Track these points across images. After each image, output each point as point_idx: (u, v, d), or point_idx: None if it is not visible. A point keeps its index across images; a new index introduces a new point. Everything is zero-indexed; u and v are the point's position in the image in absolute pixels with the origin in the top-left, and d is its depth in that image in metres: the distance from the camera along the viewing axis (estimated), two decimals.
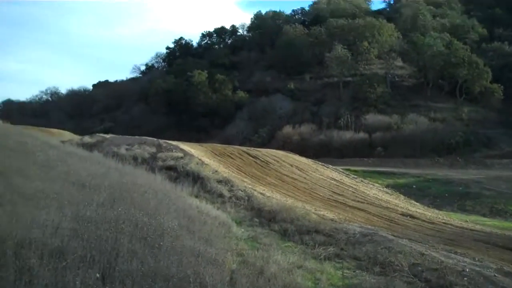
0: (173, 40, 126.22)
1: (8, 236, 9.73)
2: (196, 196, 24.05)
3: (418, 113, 70.92)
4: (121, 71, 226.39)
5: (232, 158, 37.37)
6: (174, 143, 39.08)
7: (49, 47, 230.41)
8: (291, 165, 37.55)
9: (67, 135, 59.24)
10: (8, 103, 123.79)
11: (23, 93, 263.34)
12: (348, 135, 68.28)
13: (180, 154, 33.80)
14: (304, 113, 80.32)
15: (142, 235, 12.79)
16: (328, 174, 37.67)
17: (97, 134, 50.62)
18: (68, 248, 10.53)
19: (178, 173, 29.16)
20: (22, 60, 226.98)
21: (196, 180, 27.29)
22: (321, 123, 73.92)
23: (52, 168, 19.05)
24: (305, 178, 34.00)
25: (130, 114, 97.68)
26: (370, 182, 38.81)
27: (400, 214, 25.22)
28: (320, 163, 42.32)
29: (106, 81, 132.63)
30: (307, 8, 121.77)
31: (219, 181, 27.01)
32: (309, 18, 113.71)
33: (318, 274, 13.14)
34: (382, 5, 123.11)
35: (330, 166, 41.71)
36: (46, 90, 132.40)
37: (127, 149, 35.93)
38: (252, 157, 38.33)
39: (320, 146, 66.10)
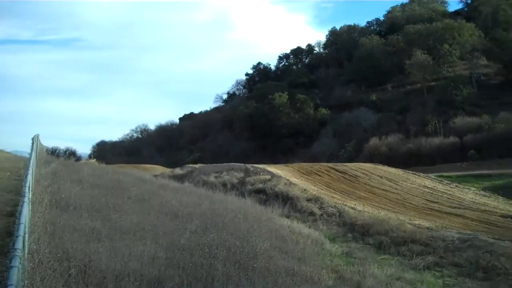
0: (252, 66, 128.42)
1: (108, 269, 10.19)
2: (287, 216, 24.07)
3: (509, 110, 67.12)
4: (204, 102, 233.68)
5: (319, 175, 37.14)
6: (261, 166, 39.46)
7: (136, 86, 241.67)
8: (381, 177, 36.75)
9: (159, 169, 61.46)
10: (102, 144, 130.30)
11: (115, 133, 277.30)
12: (437, 141, 65.79)
13: (268, 177, 34.04)
14: (389, 123, 78.46)
15: (236, 259, 12.96)
16: (420, 182, 36.48)
17: (187, 165, 52.16)
18: (165, 277, 10.86)
19: (267, 195, 29.35)
20: (112, 102, 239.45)
21: (285, 200, 27.34)
22: (408, 131, 71.80)
23: (146, 202, 19.80)
24: (396, 188, 33.15)
25: (216, 142, 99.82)
26: (466, 187, 37.11)
27: (500, 216, 23.95)
28: (410, 172, 41.12)
29: (192, 113, 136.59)
30: (381, 18, 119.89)
31: (309, 200, 26.89)
32: (385, 28, 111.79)
33: (418, 284, 12.71)
34: (459, 6, 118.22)
35: (422, 174, 40.38)
36: (136, 128, 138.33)
37: (216, 177, 36.72)
38: (340, 172, 37.92)
39: (409, 155, 64.16)
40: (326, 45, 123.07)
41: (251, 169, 37.63)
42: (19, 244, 6.37)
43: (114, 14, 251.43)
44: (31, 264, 8.05)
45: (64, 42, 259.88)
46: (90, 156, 58.13)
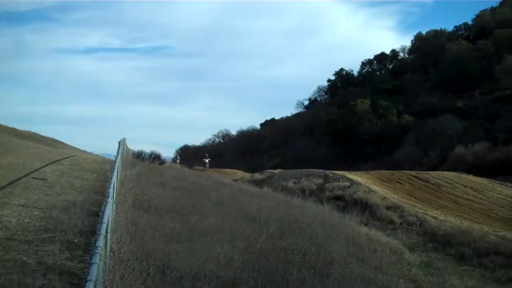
0: (334, 72, 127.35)
1: (185, 269, 10.46)
2: (365, 224, 23.67)
3: None
4: (286, 108, 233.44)
5: (400, 183, 36.21)
6: (340, 172, 39.03)
7: (220, 92, 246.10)
8: (465, 186, 35.24)
9: (239, 173, 62.25)
10: (185, 148, 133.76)
11: (198, 138, 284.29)
12: None
13: (347, 183, 33.63)
14: (476, 131, 75.02)
15: (311, 264, 12.90)
16: (507, 193, 34.61)
17: (267, 170, 52.44)
18: (241, 279, 11.01)
19: (345, 202, 29.01)
20: (196, 108, 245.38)
21: (364, 208, 26.89)
22: (496, 139, 68.36)
23: (225, 205, 20.15)
24: (481, 198, 31.66)
25: (297, 148, 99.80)
26: None
27: None
28: (497, 182, 39.12)
29: (273, 119, 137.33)
30: (470, 22, 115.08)
31: (389, 208, 26.31)
32: (473, 32, 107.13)
33: None
34: None
35: (509, 184, 38.31)
36: (218, 133, 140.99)
37: (294, 182, 36.72)
38: (422, 180, 36.75)
39: (496, 164, 60.99)
40: (411, 51, 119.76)
41: (330, 175, 37.31)
42: (100, 242, 6.64)
43: (199, 22, 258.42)
44: (111, 262, 8.41)
45: (153, 50, 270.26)
46: (174, 159, 60.06)
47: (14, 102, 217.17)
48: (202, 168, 58.06)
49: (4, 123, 39.35)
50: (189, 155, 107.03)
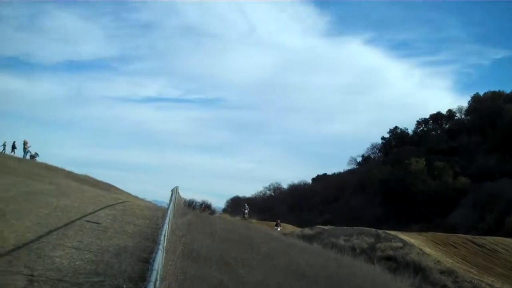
0: (388, 130, 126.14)
1: None
2: None
3: None
4: (338, 164, 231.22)
5: (455, 247, 34.83)
6: (393, 232, 38.04)
7: (272, 145, 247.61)
8: None
9: (289, 227, 61.58)
10: (236, 199, 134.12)
11: (249, 189, 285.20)
12: None
13: (400, 244, 32.70)
14: None
15: None
16: None
17: (317, 226, 51.74)
18: None
19: (397, 264, 28.13)
20: (248, 159, 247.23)
21: (416, 270, 25.94)
22: None
23: (274, 259, 19.81)
24: None
25: (348, 205, 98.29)
26: None
27: None
28: None
29: (325, 175, 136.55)
30: None
31: (442, 272, 25.32)
32: None
33: None
34: None
35: None
36: (269, 185, 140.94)
37: (345, 240, 36.03)
38: (478, 245, 35.25)
39: None
40: (468, 111, 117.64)
41: (383, 235, 36.45)
42: None
43: (254, 76, 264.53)
44: None
45: (208, 102, 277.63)
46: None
47: (72, 146, 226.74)
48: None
49: (62, 166, 40.64)
50: (240, 206, 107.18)
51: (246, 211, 61.08)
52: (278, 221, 61.32)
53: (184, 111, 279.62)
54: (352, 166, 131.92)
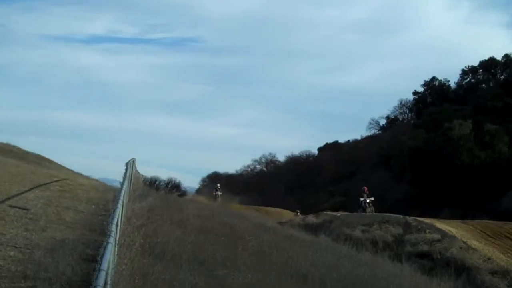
0: (422, 82, 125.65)
1: None
2: None
3: None
4: (354, 128, 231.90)
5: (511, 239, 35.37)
6: (427, 220, 38.41)
7: (264, 104, 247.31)
8: None
9: (287, 214, 62.13)
10: (214, 176, 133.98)
11: (233, 163, 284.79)
12: None
13: (436, 236, 33.09)
14: None
15: None
16: None
17: (324, 212, 52.09)
18: None
19: (433, 262, 28.52)
20: (231, 123, 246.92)
21: (460, 271, 26.34)
22: None
23: (266, 256, 20.01)
24: None
25: (367, 183, 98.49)
26: None
27: None
28: None
29: (336, 143, 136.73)
30: None
31: (494, 273, 25.76)
32: None
33: None
34: None
35: None
36: (261, 158, 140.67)
37: (363, 231, 36.40)
38: None
39: None
40: None
41: (413, 223, 36.80)
42: None
43: (241, 9, 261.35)
44: None
45: (178, 43, 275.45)
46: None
47: None
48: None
49: None
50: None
51: (219, 192, 61.94)
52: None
53: (145, 55, 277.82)
54: (373, 131, 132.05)
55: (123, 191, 16.58)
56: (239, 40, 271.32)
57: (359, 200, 50.27)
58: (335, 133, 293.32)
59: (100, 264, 8.02)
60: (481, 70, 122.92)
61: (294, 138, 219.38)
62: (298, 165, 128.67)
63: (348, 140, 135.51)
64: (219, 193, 62.26)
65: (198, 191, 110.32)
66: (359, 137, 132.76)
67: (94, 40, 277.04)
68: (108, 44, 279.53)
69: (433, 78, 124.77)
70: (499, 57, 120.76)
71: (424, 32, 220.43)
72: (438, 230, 34.74)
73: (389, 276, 20.90)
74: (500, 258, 29.18)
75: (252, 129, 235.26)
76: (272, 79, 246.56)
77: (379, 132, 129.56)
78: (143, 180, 33.70)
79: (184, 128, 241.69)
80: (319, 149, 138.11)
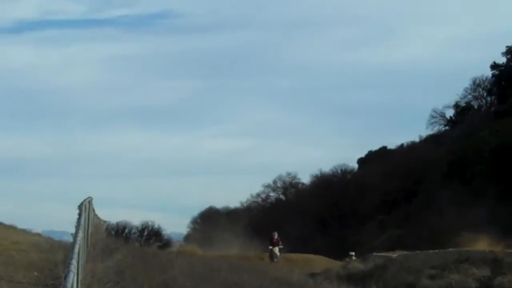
0: (504, 50, 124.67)
1: None
2: None
3: None
4: (408, 126, 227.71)
5: None
6: None
7: (275, 100, 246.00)
8: None
9: (320, 261, 62.04)
10: (210, 213, 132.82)
11: (234, 193, 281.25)
12: None
13: None
14: None
15: None
16: None
17: (375, 253, 52.07)
18: None
19: None
20: (230, 131, 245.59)
21: None
22: None
23: None
24: None
25: (434, 206, 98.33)
26: None
27: None
28: None
29: (384, 149, 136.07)
30: None
31: None
32: None
33: None
34: None
35: None
36: (275, 182, 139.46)
37: (432, 276, 36.46)
38: None
39: None
40: None
41: (506, 259, 36.89)
42: None
43: None
44: None
45: (144, 22, 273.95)
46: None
47: None
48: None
49: None
50: (217, 226, 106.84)
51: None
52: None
53: (98, 44, 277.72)
54: (437, 127, 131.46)
55: (77, 247, 16.72)
56: (231, 10, 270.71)
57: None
58: (381, 136, 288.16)
59: None
60: None
61: (322, 147, 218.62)
62: (331, 188, 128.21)
63: (402, 144, 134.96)
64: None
65: (188, 238, 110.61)
66: (417, 139, 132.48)
67: (23, 27, 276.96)
68: (43, 32, 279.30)
69: None
70: None
71: None
72: None
73: None
74: None
75: (260, 139, 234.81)
76: (283, 62, 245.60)
77: (446, 128, 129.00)
78: (107, 228, 33.99)
79: (163, 146, 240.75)
80: (360, 160, 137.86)
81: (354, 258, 59.62)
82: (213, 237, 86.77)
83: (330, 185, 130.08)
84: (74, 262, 14.08)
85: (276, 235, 60.87)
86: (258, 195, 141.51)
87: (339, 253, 69.32)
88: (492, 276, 34.48)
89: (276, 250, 59.09)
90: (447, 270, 36.75)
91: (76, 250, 15.88)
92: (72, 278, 12.48)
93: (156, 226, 61.59)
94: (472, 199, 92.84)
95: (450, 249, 43.62)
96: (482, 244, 46.13)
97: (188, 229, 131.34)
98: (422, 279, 35.54)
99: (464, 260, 37.95)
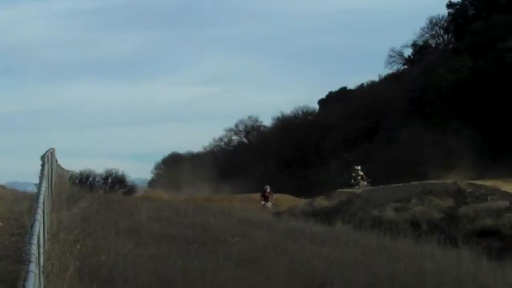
0: None
1: None
2: None
3: None
4: (368, 66, 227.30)
5: None
6: (488, 183, 38.66)
7: (235, 46, 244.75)
8: None
9: (284, 199, 62.06)
10: (173, 158, 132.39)
11: (197, 138, 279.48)
12: None
13: (503, 204, 33.33)
14: None
15: None
16: None
17: (339, 189, 52.16)
18: None
19: (503, 241, 28.71)
20: (190, 79, 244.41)
21: None
22: None
23: (262, 265, 20.05)
24: None
25: (395, 141, 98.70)
26: None
27: None
28: None
29: (344, 90, 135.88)
30: None
31: None
32: None
33: None
34: None
35: None
36: (237, 126, 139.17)
37: (397, 209, 36.53)
38: None
39: None
40: None
41: (469, 189, 37.05)
42: None
43: None
44: None
45: None
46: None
47: None
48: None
49: None
50: (181, 170, 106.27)
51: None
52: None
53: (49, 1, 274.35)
54: (396, 66, 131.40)
55: (41, 197, 16.50)
56: None
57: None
58: (341, 77, 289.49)
59: None
60: None
61: (284, 91, 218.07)
62: (293, 129, 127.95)
63: (362, 84, 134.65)
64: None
65: (152, 183, 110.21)
66: (376, 78, 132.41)
67: None
68: None
69: None
70: None
71: None
72: (505, 194, 35.01)
73: (441, 269, 21.05)
74: None
75: (221, 86, 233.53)
76: (239, 9, 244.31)
77: (405, 67, 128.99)
78: (70, 178, 33.68)
79: (122, 96, 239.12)
80: (321, 101, 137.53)
81: (359, 170, 60.32)
82: (179, 181, 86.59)
83: (292, 126, 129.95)
84: (39, 211, 13.89)
85: (268, 189, 60.47)
86: (220, 139, 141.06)
87: (303, 193, 69.49)
88: (456, 206, 34.56)
89: (269, 205, 58.80)
90: (411, 202, 36.80)
91: (41, 200, 15.66)
92: (38, 226, 12.28)
93: (119, 173, 61.50)
94: (432, 135, 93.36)
95: (414, 183, 43.76)
96: (444, 177, 46.41)
97: (152, 175, 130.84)
98: (387, 212, 35.58)
99: (427, 192, 38.06)
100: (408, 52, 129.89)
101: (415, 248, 25.86)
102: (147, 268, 16.87)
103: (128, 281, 15.39)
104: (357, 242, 26.28)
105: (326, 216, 37.73)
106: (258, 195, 62.55)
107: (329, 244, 25.13)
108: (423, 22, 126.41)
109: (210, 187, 75.94)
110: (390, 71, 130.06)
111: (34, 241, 11.26)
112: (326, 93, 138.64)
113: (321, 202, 44.86)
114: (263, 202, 57.70)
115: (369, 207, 38.54)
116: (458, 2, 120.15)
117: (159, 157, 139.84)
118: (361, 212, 37.83)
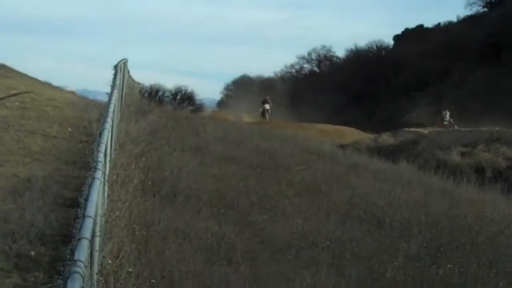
0: None
1: None
2: None
3: None
4: (446, 6, 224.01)
5: None
6: None
7: None
8: None
9: (351, 133, 61.82)
10: (243, 82, 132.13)
11: (269, 63, 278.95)
12: None
13: None
14: None
15: None
16: None
17: (405, 128, 51.75)
18: None
19: None
20: (268, 3, 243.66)
21: None
22: None
23: (322, 195, 20.06)
24: None
25: (470, 84, 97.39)
26: None
27: None
28: None
29: (420, 28, 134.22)
30: None
31: None
32: None
33: None
34: None
35: None
36: (309, 54, 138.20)
37: (463, 154, 36.25)
38: None
39: None
40: None
41: None
42: (81, 255, 6.55)
43: None
44: None
45: None
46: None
47: None
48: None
49: None
50: (250, 96, 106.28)
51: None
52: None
53: None
54: (475, 8, 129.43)
55: (112, 106, 16.58)
56: None
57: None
58: (419, 14, 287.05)
59: (84, 210, 8.02)
60: None
61: (359, 22, 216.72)
62: (366, 62, 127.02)
63: (439, 24, 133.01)
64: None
65: (221, 104, 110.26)
66: (455, 19, 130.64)
67: None
68: None
69: None
70: None
71: None
72: None
73: (502, 218, 20.88)
74: None
75: (296, 11, 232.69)
76: None
77: (484, 9, 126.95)
78: (140, 91, 33.83)
79: (198, 13, 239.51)
80: (396, 37, 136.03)
81: (447, 114, 60.23)
82: (247, 104, 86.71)
83: (364, 60, 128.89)
84: (109, 120, 13.97)
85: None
86: (292, 66, 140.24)
87: (370, 128, 69.11)
88: None
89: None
90: (478, 148, 36.46)
91: (111, 109, 15.74)
92: (106, 135, 12.37)
93: (189, 90, 61.45)
94: (506, 81, 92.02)
95: (482, 128, 43.26)
96: None
97: (221, 95, 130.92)
98: (452, 156, 35.29)
99: (495, 140, 37.66)
100: None
101: (477, 194, 25.65)
102: (210, 187, 16.96)
103: (189, 198, 15.50)
104: (419, 183, 26.11)
105: (390, 154, 37.49)
106: (325, 126, 63.37)
107: (391, 182, 25.02)
108: None
109: (278, 113, 75.72)
110: (469, 13, 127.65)
111: (102, 149, 11.34)
112: (402, 29, 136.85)
113: (386, 139, 44.55)
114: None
115: (435, 148, 38.24)
116: None
117: (229, 78, 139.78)
118: (426, 153, 37.55)
